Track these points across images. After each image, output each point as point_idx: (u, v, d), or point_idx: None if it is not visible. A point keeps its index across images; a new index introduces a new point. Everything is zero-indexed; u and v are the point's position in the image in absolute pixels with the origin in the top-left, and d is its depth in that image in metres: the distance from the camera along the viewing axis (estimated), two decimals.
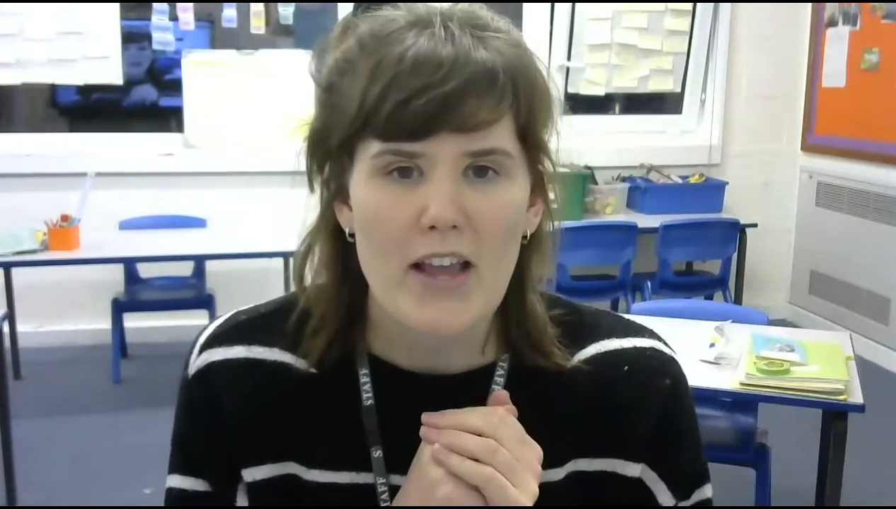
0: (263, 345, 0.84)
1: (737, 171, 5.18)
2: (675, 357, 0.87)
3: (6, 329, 3.40)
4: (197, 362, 0.85)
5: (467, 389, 0.81)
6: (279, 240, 3.62)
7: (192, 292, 4.36)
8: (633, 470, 0.84)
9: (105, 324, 4.25)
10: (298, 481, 0.83)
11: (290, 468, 0.83)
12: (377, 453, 0.81)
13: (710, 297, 4.71)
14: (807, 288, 5.16)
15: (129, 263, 4.22)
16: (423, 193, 0.72)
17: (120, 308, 4.22)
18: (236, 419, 0.83)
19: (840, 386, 2.21)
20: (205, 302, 4.21)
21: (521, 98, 0.74)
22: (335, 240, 0.80)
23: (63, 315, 4.61)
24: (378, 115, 0.70)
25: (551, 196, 0.82)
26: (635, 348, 0.85)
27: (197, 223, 4.37)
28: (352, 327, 0.83)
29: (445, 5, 0.75)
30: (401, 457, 0.80)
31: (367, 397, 0.82)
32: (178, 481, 0.86)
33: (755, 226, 4.80)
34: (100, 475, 3.23)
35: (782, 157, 5.25)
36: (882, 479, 3.30)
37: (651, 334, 0.88)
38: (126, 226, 4.26)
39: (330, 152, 0.77)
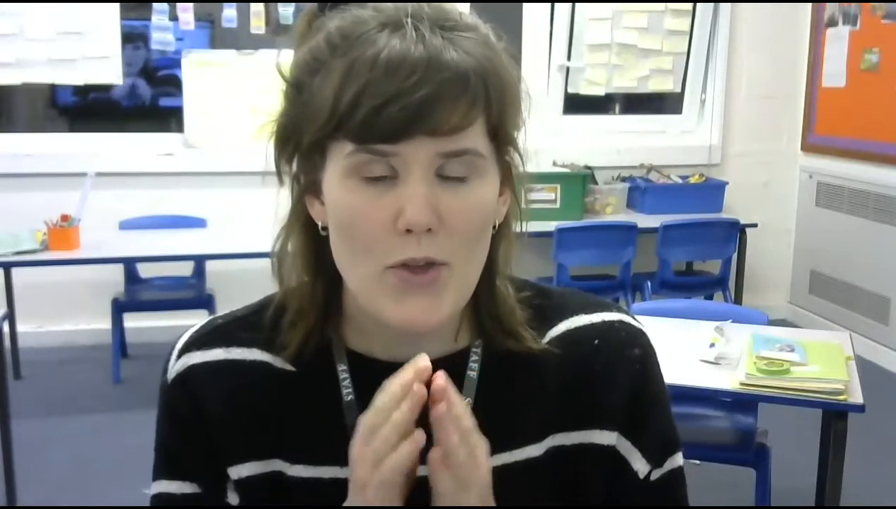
0: (242, 346, 0.85)
1: (737, 171, 5.18)
2: (643, 328, 0.90)
3: (6, 329, 3.40)
4: (176, 366, 0.86)
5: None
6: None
7: (192, 292, 4.36)
8: (607, 438, 0.86)
9: (105, 324, 4.25)
10: (283, 477, 0.83)
11: (275, 465, 0.84)
12: None
13: (710, 297, 4.71)
14: (807, 288, 5.16)
15: (129, 263, 4.22)
16: (397, 195, 0.73)
17: (120, 308, 4.23)
18: (218, 419, 0.84)
19: (840, 386, 2.21)
20: (205, 302, 4.22)
21: (492, 99, 0.75)
22: (308, 235, 0.81)
23: (63, 315, 4.61)
24: (352, 120, 0.71)
25: (520, 192, 0.84)
26: (603, 322, 0.88)
27: (197, 223, 4.37)
28: (328, 321, 0.84)
29: (414, 4, 0.75)
30: None
31: (347, 392, 0.83)
32: (164, 486, 0.86)
33: (755, 226, 4.80)
34: (100, 475, 3.23)
35: (782, 157, 5.25)
36: (882, 479, 3.30)
37: (618, 308, 0.91)
38: (126, 226, 4.26)
39: (300, 149, 0.78)
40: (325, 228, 0.79)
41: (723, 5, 5.09)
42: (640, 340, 0.88)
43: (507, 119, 0.78)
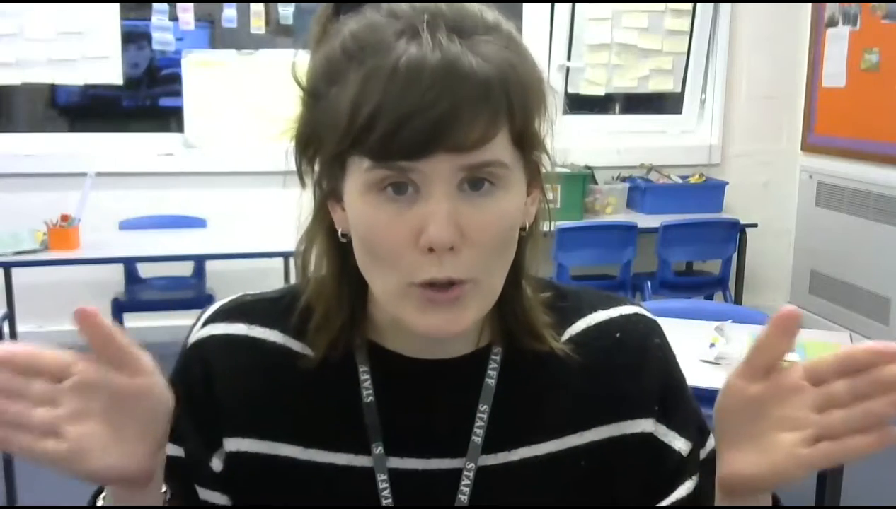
0: (266, 326, 0.86)
1: (737, 171, 5.18)
2: (655, 319, 0.91)
3: (6, 329, 3.41)
4: (200, 333, 0.87)
5: (463, 375, 0.84)
6: (279, 240, 3.61)
7: (192, 292, 4.36)
8: (640, 426, 0.86)
9: None
10: (294, 462, 0.83)
11: (284, 450, 0.83)
12: (378, 449, 0.82)
13: (710, 297, 4.72)
14: (807, 288, 5.16)
15: (129, 263, 4.22)
16: (419, 212, 0.71)
17: (120, 308, 4.22)
18: (226, 390, 0.84)
19: None
20: (205, 302, 4.13)
21: (515, 107, 0.73)
22: (332, 239, 0.81)
23: (63, 315, 4.56)
24: (369, 137, 0.69)
25: (548, 190, 0.84)
26: (621, 315, 0.89)
27: (197, 223, 4.37)
28: (353, 323, 0.84)
29: (431, 5, 0.73)
30: (399, 443, 0.83)
31: (368, 393, 0.83)
32: None
33: (755, 226, 4.80)
34: None
35: (782, 157, 5.25)
36: (882, 479, 3.30)
37: (631, 302, 0.92)
38: (126, 226, 4.26)
39: (320, 156, 0.77)
40: (345, 235, 0.78)
41: (723, 5, 5.09)
42: (658, 330, 0.90)
43: (532, 123, 0.77)
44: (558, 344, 0.85)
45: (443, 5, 0.73)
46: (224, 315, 0.87)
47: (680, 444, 0.87)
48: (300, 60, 0.78)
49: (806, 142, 5.20)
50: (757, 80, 5.17)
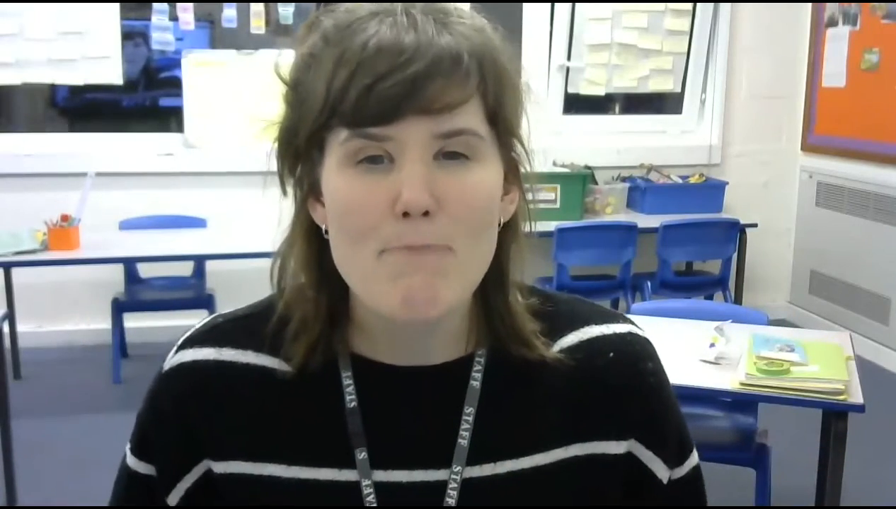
0: (235, 348, 0.85)
1: (737, 171, 5.18)
2: (648, 338, 0.90)
3: (6, 329, 3.40)
4: (171, 361, 0.86)
5: (448, 381, 0.83)
6: (278, 240, 3.60)
7: (192, 292, 4.37)
8: (620, 447, 0.86)
9: (105, 324, 4.25)
10: (276, 480, 0.83)
11: (268, 469, 0.83)
12: (362, 455, 0.81)
13: (710, 297, 4.71)
14: (807, 288, 5.16)
15: (129, 263, 4.23)
16: (394, 180, 0.72)
17: (120, 308, 4.22)
18: (201, 417, 0.84)
19: (840, 386, 2.21)
20: (205, 302, 4.21)
21: (487, 80, 0.74)
22: (312, 241, 0.80)
23: (63, 315, 4.61)
24: (344, 102, 0.71)
25: (526, 188, 0.83)
26: (616, 334, 0.88)
27: (197, 223, 4.37)
28: (333, 329, 0.83)
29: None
30: (384, 453, 0.81)
31: (351, 399, 0.82)
32: (131, 461, 0.89)
33: (755, 226, 4.80)
34: (100, 475, 3.22)
35: (782, 157, 5.25)
36: (882, 479, 3.30)
37: (624, 318, 0.91)
38: (126, 226, 4.26)
39: (300, 149, 0.77)
40: (328, 231, 0.78)
41: (723, 5, 5.09)
42: (650, 352, 0.89)
43: (505, 103, 0.76)
44: (548, 352, 0.84)
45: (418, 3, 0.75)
46: (193, 341, 0.86)
47: (662, 473, 0.88)
48: (284, 59, 0.79)
49: (806, 142, 5.20)
50: (757, 80, 5.17)
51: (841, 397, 2.19)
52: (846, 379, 2.24)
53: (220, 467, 0.84)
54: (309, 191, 0.79)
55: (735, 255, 4.70)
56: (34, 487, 3.08)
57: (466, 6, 0.78)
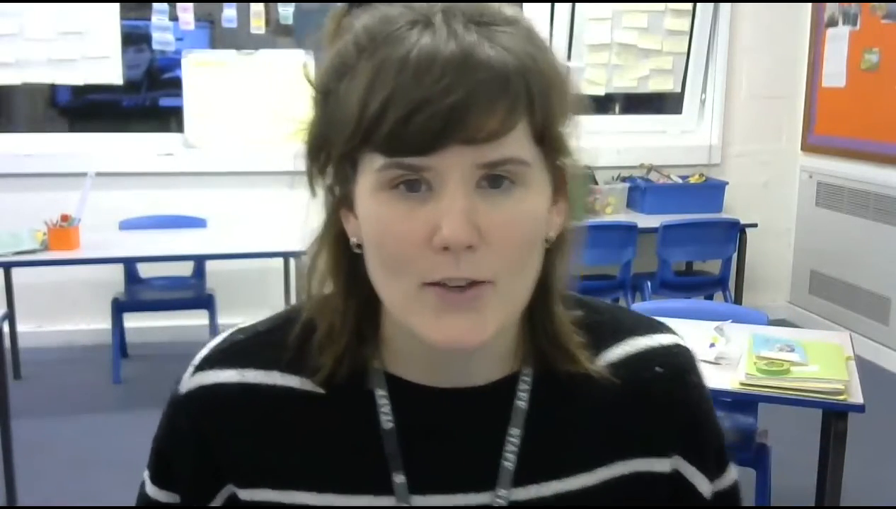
0: (260, 368, 0.79)
1: (737, 171, 5.18)
2: (690, 348, 0.88)
3: (6, 329, 3.40)
4: (189, 383, 0.81)
5: (491, 402, 0.78)
6: (279, 240, 3.61)
7: (192, 292, 4.36)
8: (664, 465, 0.83)
9: (105, 324, 4.25)
10: (307, 507, 0.78)
11: (297, 498, 0.78)
12: (400, 479, 0.77)
13: (710, 297, 4.72)
14: (807, 288, 5.16)
15: (129, 263, 4.22)
16: (433, 210, 0.67)
17: (120, 308, 4.22)
18: (223, 445, 0.79)
19: (840, 386, 2.21)
20: (205, 302, 4.20)
21: (535, 100, 0.67)
22: (341, 249, 0.75)
23: (63, 315, 4.61)
24: (378, 131, 0.65)
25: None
26: (661, 346, 0.85)
27: (197, 223, 4.37)
28: (363, 343, 0.78)
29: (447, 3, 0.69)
30: (422, 477, 0.77)
31: (387, 420, 0.77)
32: (151, 490, 0.84)
33: (755, 226, 4.80)
34: (100, 475, 3.23)
35: (782, 157, 5.25)
36: (882, 479, 3.30)
37: (667, 328, 0.87)
38: (126, 226, 4.26)
39: (331, 160, 0.72)
40: (359, 245, 0.73)
41: (723, 5, 5.09)
42: (694, 363, 0.86)
43: (554, 120, 0.70)
44: (594, 366, 0.80)
45: (458, 3, 0.69)
46: (213, 361, 0.80)
47: (704, 487, 0.85)
48: (310, 62, 0.75)
49: (806, 142, 5.20)
50: (757, 80, 5.17)
51: (841, 397, 2.19)
52: (846, 379, 2.24)
53: (246, 495, 0.80)
54: (342, 200, 0.74)
55: (735, 255, 4.70)
56: (34, 487, 3.08)
57: (506, 4, 0.72)
